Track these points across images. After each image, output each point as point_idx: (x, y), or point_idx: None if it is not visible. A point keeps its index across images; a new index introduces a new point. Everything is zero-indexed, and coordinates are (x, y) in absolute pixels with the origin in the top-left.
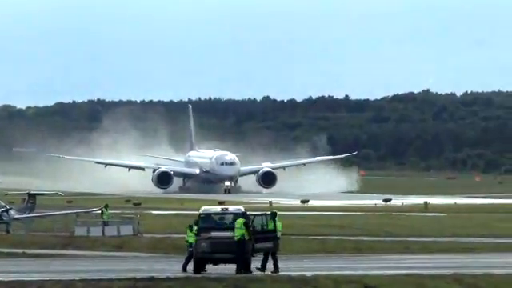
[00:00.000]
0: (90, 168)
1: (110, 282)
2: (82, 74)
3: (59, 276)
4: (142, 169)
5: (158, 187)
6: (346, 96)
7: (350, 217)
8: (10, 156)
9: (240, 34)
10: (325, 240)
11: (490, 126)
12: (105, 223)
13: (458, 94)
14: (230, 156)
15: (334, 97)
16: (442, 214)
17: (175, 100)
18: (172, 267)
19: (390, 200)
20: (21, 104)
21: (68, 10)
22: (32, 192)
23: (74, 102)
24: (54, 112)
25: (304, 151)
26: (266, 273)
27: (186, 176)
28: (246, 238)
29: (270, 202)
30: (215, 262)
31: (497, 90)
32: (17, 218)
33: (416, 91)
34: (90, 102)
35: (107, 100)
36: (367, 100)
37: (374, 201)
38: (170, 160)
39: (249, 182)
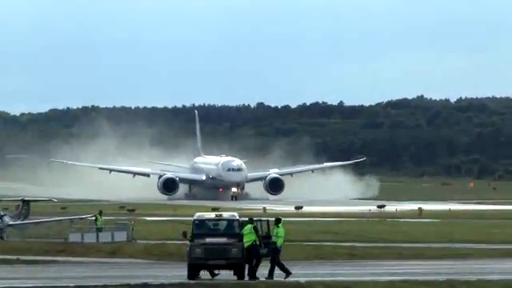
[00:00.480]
0: (89, 173)
1: None
2: (77, 80)
3: (53, 282)
4: (147, 175)
5: (164, 194)
6: (341, 102)
7: (345, 223)
8: (4, 162)
9: (234, 40)
10: (319, 246)
11: (484, 132)
12: (99, 229)
13: (452, 99)
14: (236, 162)
15: (328, 103)
16: (436, 220)
17: (169, 106)
18: (166, 273)
19: (384, 206)
20: (15, 110)
21: (65, 13)
22: (26, 198)
23: (68, 108)
24: (47, 118)
25: (306, 157)
26: (260, 279)
27: (191, 182)
28: (257, 242)
29: (264, 208)
30: (209, 268)
31: (491, 96)
32: (11, 225)
33: (410, 97)
34: (84, 108)
35: (101, 106)
36: (361, 106)
37: (368, 207)
38: (175, 166)
39: (255, 188)
